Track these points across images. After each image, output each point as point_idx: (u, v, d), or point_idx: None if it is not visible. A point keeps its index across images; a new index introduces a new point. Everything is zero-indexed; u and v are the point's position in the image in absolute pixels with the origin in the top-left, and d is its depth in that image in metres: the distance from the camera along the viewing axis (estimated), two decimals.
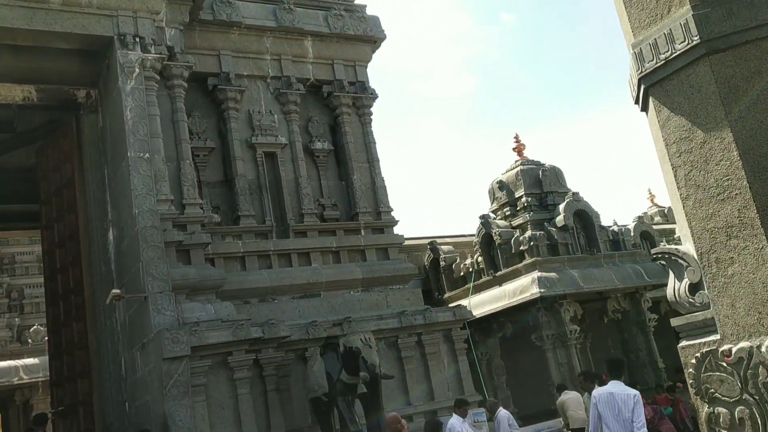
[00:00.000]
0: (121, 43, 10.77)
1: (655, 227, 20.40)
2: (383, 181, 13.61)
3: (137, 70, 10.72)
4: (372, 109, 13.98)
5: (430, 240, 18.49)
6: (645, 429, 6.85)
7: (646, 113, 2.97)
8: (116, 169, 11.02)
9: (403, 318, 12.05)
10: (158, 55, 11.04)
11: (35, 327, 26.03)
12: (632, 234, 16.79)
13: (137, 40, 10.88)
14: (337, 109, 13.59)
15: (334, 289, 12.35)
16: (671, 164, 2.66)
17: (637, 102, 3.01)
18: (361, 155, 13.60)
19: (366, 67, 14.22)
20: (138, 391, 10.22)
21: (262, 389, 10.32)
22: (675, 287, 2.89)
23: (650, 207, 26.97)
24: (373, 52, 14.39)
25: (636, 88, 2.93)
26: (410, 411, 11.76)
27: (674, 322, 2.94)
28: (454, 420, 8.86)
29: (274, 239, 12.20)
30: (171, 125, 11.46)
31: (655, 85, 2.78)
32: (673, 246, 3.11)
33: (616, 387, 6.96)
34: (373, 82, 14.17)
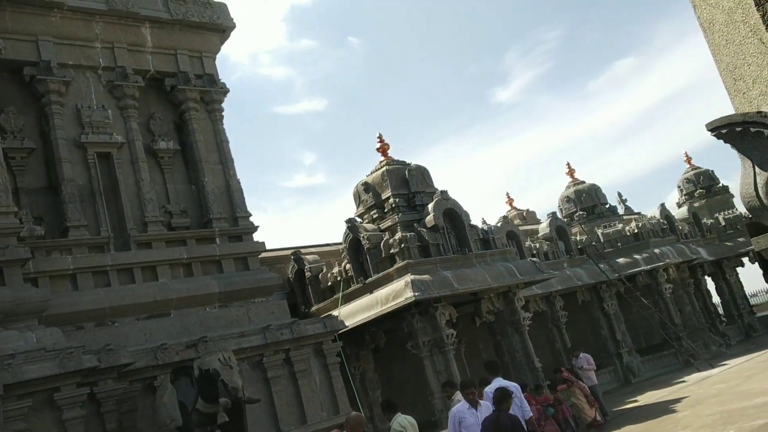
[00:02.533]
0: None
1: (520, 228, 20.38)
2: (239, 183, 12.24)
3: None
4: (223, 105, 12.59)
5: (293, 250, 17.25)
6: (530, 412, 8.59)
7: None
8: None
9: (268, 333, 10.73)
10: None
11: None
12: (500, 233, 16.45)
13: None
14: (182, 105, 12.08)
15: (186, 306, 10.80)
16: None
17: None
18: (213, 155, 12.16)
19: (214, 58, 12.82)
20: None
21: (100, 430, 8.61)
22: (754, 181, 1.74)
23: (509, 210, 27.36)
24: (222, 42, 13.02)
25: None
26: None
27: (760, 243, 1.88)
28: (461, 406, 7.34)
29: (112, 252, 10.48)
30: None
31: None
32: (753, 111, 1.86)
33: (501, 382, 8.24)
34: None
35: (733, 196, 29.04)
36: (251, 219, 12.13)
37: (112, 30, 11.56)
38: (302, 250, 17.46)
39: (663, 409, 13.08)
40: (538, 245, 19.98)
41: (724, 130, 1.80)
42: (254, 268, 11.95)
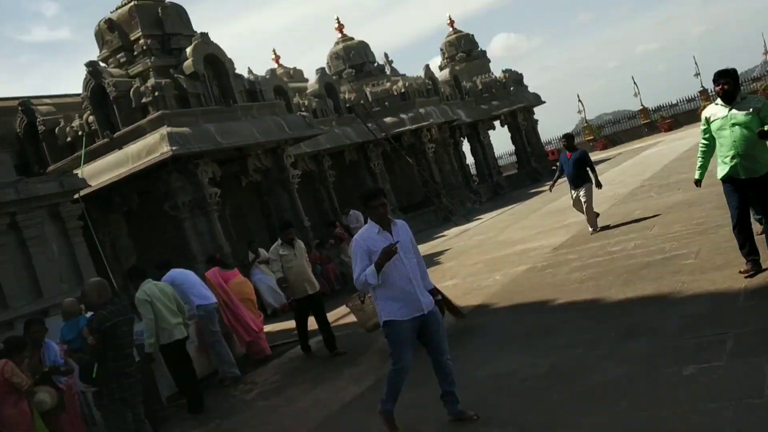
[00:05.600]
0: None
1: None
2: None
3: None
4: None
5: (21, 100, 14.50)
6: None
7: None
8: None
9: None
10: None
11: None
12: (268, 86, 15.18)
13: None
14: None
15: None
16: None
17: None
18: None
19: None
20: None
21: None
22: None
23: (277, 68, 25.97)
24: None
25: None
26: (10, 315, 8.77)
27: None
28: (369, 230, 4.61)
29: None
30: None
31: None
32: None
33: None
34: None
35: (490, 60, 30.32)
36: None
37: None
38: (33, 101, 14.78)
39: (429, 261, 13.34)
40: (306, 102, 19.07)
41: None
42: None
